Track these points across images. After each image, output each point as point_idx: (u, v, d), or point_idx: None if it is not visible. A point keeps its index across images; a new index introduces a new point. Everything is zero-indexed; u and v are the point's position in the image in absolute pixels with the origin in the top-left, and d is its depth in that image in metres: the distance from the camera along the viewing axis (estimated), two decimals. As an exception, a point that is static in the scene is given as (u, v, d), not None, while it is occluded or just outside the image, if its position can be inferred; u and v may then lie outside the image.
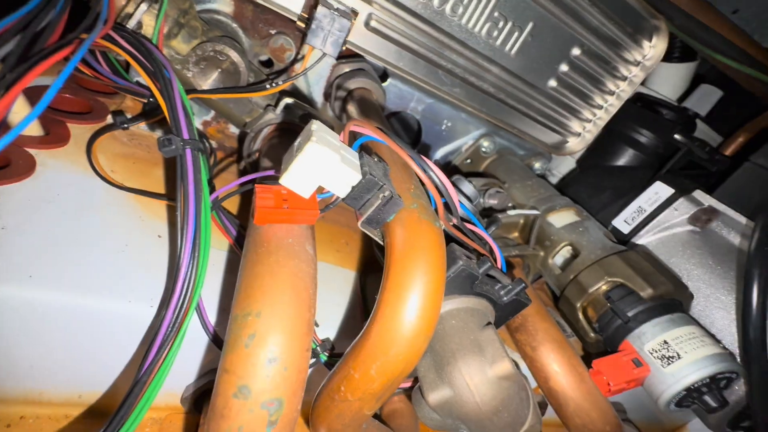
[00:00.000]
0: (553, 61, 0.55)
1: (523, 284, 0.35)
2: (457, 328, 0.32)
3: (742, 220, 0.52)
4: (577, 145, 0.64)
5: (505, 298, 0.35)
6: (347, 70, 0.53)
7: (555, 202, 0.57)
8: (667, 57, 0.74)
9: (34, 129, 0.40)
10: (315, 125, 0.27)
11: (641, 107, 0.69)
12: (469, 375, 0.29)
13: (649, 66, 0.58)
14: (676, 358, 0.38)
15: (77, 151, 0.41)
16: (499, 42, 0.53)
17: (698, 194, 0.57)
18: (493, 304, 0.35)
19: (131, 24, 0.39)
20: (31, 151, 0.38)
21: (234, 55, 0.43)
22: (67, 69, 0.26)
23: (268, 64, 0.55)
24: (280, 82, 0.42)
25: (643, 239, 0.60)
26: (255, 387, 0.24)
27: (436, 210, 0.30)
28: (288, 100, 0.46)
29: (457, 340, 0.31)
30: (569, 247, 0.52)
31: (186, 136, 0.31)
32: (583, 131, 0.64)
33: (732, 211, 0.53)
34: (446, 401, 0.29)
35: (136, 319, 0.33)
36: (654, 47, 0.56)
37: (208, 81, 0.44)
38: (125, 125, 0.42)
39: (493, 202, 0.56)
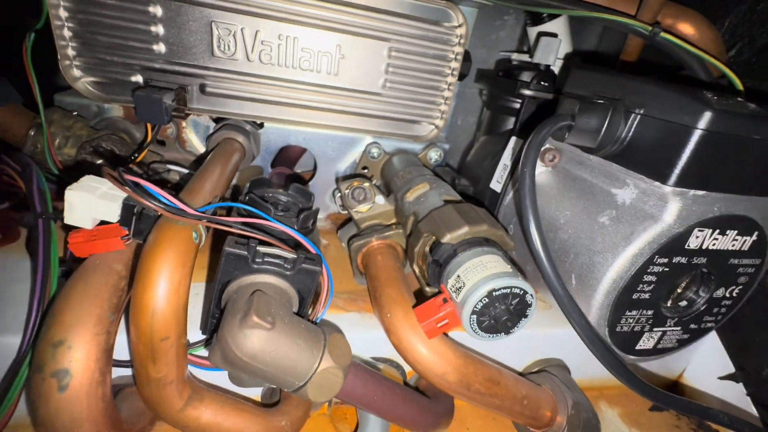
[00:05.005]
0: (374, 67, 0.64)
1: (303, 255, 0.42)
2: (233, 301, 0.40)
3: (576, 150, 0.54)
4: (439, 129, 0.70)
5: (288, 272, 0.42)
6: (217, 128, 0.67)
7: (413, 182, 0.63)
8: (533, 22, 0.79)
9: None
10: (84, 178, 0.39)
11: (501, 76, 0.74)
12: (227, 329, 0.37)
13: (464, 42, 0.64)
14: (463, 287, 0.42)
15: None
16: (320, 70, 0.63)
17: (541, 138, 0.60)
18: (284, 277, 0.43)
19: (26, 145, 0.55)
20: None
21: (106, 144, 0.58)
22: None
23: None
24: (137, 156, 0.56)
25: (512, 193, 0.63)
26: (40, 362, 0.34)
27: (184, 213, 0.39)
28: (157, 166, 0.59)
29: (229, 308, 0.39)
30: (414, 218, 0.57)
31: (39, 210, 0.45)
32: (440, 115, 0.70)
33: (565, 145, 0.56)
34: (219, 356, 0.37)
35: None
36: (461, 26, 0.63)
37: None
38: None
39: (361, 198, 0.64)
